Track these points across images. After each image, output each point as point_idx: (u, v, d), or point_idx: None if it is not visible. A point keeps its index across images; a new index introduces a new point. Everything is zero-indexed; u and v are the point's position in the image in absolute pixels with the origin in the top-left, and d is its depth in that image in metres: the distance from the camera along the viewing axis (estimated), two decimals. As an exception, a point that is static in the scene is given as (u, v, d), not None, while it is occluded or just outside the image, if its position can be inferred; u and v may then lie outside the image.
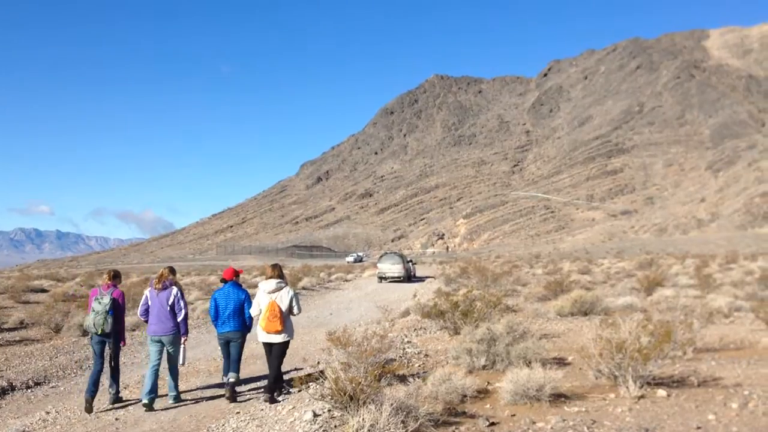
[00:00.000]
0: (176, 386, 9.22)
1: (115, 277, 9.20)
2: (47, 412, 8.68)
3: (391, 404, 6.06)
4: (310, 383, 6.81)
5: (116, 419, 8.37)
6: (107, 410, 8.83)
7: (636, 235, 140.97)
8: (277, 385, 8.82)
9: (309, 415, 6.90)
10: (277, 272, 9.17)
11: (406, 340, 13.34)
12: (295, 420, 7.25)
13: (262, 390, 9.15)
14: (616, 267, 48.79)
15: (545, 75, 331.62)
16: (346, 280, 43.23)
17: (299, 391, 8.83)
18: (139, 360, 13.00)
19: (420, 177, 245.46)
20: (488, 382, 8.66)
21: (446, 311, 13.06)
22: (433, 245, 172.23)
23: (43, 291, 30.06)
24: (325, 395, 6.57)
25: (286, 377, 9.82)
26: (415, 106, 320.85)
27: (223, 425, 7.63)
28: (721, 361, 10.05)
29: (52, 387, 10.37)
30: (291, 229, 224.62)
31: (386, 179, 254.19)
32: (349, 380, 6.37)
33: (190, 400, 9.27)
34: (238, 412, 8.13)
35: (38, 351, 13.30)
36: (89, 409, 8.59)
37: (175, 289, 9.06)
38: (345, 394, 6.36)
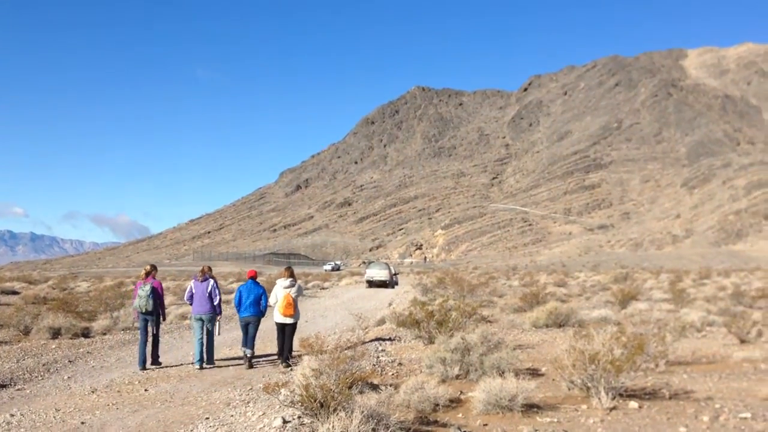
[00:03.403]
0: (212, 353, 12.28)
1: (153, 269, 12.51)
2: (12, 415, 8.48)
3: (362, 412, 5.99)
4: (281, 389, 6.69)
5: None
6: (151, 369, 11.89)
7: (612, 250, 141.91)
8: (290, 356, 12.05)
9: (278, 422, 6.78)
10: (290, 273, 12.62)
11: (380, 348, 13.27)
12: (264, 426, 7.13)
13: (275, 360, 12.48)
14: (591, 280, 49.02)
15: (525, 89, 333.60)
16: (323, 288, 43.04)
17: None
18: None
19: (399, 187, 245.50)
20: (461, 392, 8.62)
21: (421, 320, 13.02)
22: (411, 255, 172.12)
23: (14, 293, 29.62)
24: (296, 402, 6.48)
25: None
26: (395, 117, 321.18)
27: (192, 431, 7.51)
28: (693, 374, 10.10)
29: (18, 390, 10.14)
30: (269, 237, 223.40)
31: (365, 189, 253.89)
32: (319, 387, 6.29)
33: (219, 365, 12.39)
34: (207, 418, 8.00)
35: (5, 353, 13.02)
36: (143, 368, 11.70)
37: (212, 281, 12.29)
38: (315, 401, 6.27)
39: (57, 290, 31.89)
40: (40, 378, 11.04)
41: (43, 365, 11.95)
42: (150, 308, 11.74)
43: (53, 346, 14.15)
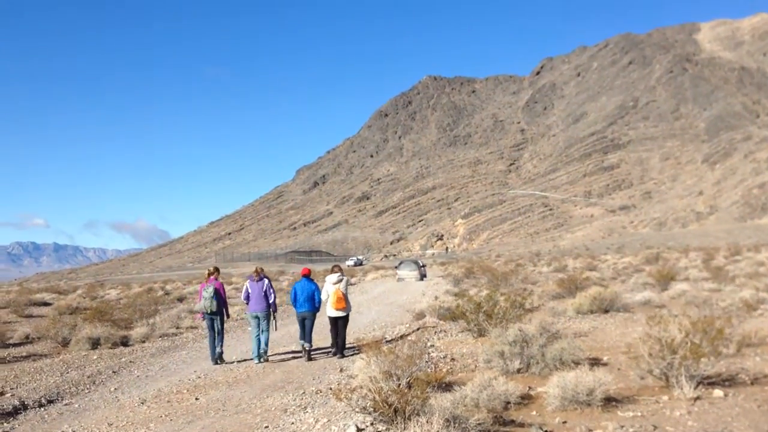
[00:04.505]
0: (266, 348, 12.86)
1: (216, 271, 13.37)
2: (64, 432, 8.23)
3: (442, 416, 5.62)
4: (349, 394, 6.33)
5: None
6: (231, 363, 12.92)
7: (635, 230, 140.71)
8: (344, 347, 13.08)
9: (352, 430, 6.41)
10: (338, 269, 13.40)
11: (429, 343, 12.89)
12: (333, 434, 6.80)
13: (330, 353, 13.21)
14: (622, 262, 48.34)
15: (538, 73, 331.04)
16: (351, 284, 42.78)
17: (358, 353, 12.06)
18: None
19: (416, 178, 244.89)
20: (529, 387, 8.23)
21: (469, 312, 12.63)
22: (432, 246, 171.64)
23: (46, 304, 29.57)
24: (368, 407, 6.12)
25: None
26: (409, 108, 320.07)
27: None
28: (765, 356, 9.64)
29: (66, 404, 9.90)
30: (289, 235, 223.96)
31: (383, 182, 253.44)
32: (393, 391, 5.93)
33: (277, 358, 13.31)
34: (266, 427, 7.69)
35: (48, 367, 12.82)
36: (216, 363, 12.72)
37: (266, 281, 13.02)
38: (390, 407, 5.91)
39: (88, 299, 31.85)
40: (86, 391, 10.80)
41: (88, 377, 11.71)
42: (214, 308, 12.62)
43: (95, 357, 13.94)
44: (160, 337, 17.32)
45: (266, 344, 12.83)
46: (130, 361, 13.41)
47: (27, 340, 17.15)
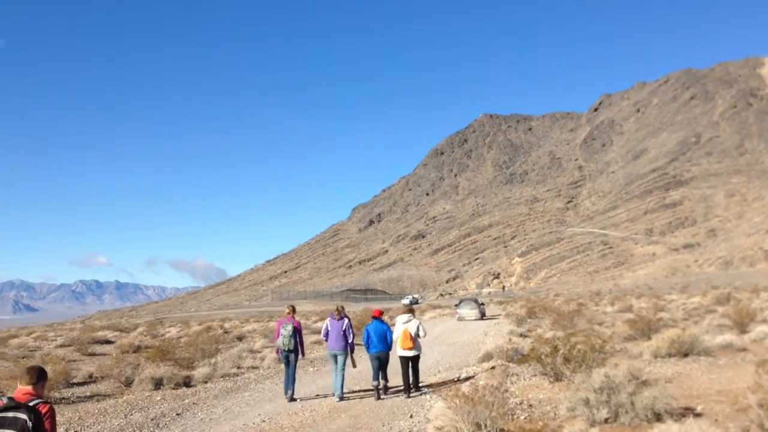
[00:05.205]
0: (342, 385, 13.00)
1: (293, 310, 13.67)
2: (128, 480, 7.91)
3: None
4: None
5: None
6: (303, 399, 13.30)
7: (700, 269, 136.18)
8: (418, 385, 13.52)
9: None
10: (409, 309, 14.03)
11: (502, 389, 12.25)
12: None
13: (401, 392, 13.28)
14: (691, 303, 46.42)
15: (596, 109, 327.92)
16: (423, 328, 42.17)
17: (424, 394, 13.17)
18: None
19: (472, 216, 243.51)
20: (624, 440, 7.57)
21: (545, 355, 11.97)
22: (489, 285, 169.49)
23: (108, 342, 29.83)
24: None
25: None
26: (465, 146, 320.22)
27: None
28: None
29: (130, 448, 9.62)
30: (345, 273, 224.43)
31: (438, 220, 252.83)
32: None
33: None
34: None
35: (111, 408, 12.63)
36: (292, 399, 13.02)
37: (346, 320, 13.22)
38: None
39: (149, 337, 32.01)
40: (150, 434, 10.52)
41: (152, 420, 11.44)
42: (292, 347, 13.07)
43: (158, 398, 13.72)
44: (222, 377, 17.06)
45: (342, 383, 13.05)
46: (194, 403, 13.13)
47: (90, 379, 17.09)
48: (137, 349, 24.38)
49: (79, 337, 28.71)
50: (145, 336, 33.02)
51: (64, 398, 14.04)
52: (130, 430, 10.67)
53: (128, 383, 15.76)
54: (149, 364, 17.34)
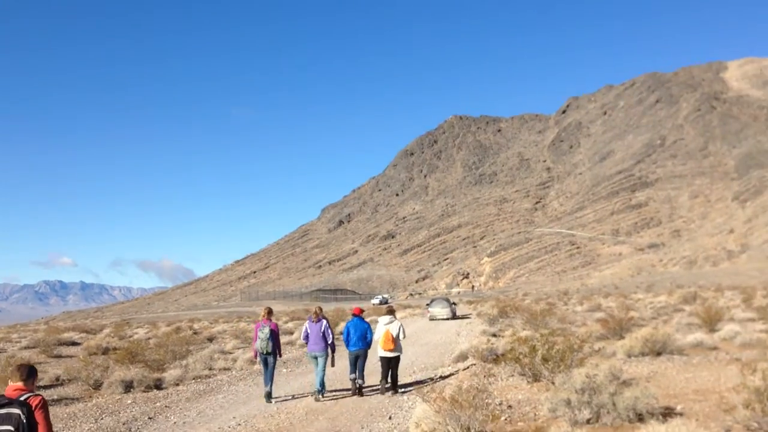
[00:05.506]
0: (323, 384, 13.16)
1: (270, 313, 13.68)
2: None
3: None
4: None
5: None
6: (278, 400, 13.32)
7: (665, 269, 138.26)
8: (396, 385, 13.41)
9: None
10: (390, 311, 14.08)
11: (479, 389, 12.16)
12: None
13: (379, 390, 13.39)
14: (659, 301, 47.01)
15: (564, 112, 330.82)
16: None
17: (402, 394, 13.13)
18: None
19: (442, 217, 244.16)
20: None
21: (523, 356, 11.91)
22: (458, 285, 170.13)
23: (74, 344, 29.20)
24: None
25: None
26: (434, 147, 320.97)
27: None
28: None
29: (101, 454, 9.33)
30: (314, 273, 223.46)
31: (408, 220, 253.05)
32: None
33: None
34: None
35: (81, 412, 12.29)
36: (269, 400, 12.99)
37: (325, 322, 13.32)
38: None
39: (116, 338, 31.41)
40: (122, 439, 10.24)
41: (123, 424, 11.15)
42: (270, 349, 13.09)
43: (129, 401, 13.39)
44: (194, 379, 16.76)
45: (322, 383, 13.23)
46: (166, 406, 12.84)
47: (58, 382, 16.68)
48: (105, 351, 23.88)
49: (44, 338, 28.03)
50: (113, 337, 32.38)
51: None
52: (102, 434, 10.37)
53: (97, 386, 15.38)
54: (118, 366, 17.00)
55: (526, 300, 69.27)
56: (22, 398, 5.14)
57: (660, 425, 6.59)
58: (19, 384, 5.30)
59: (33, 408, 5.11)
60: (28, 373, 5.41)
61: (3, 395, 5.16)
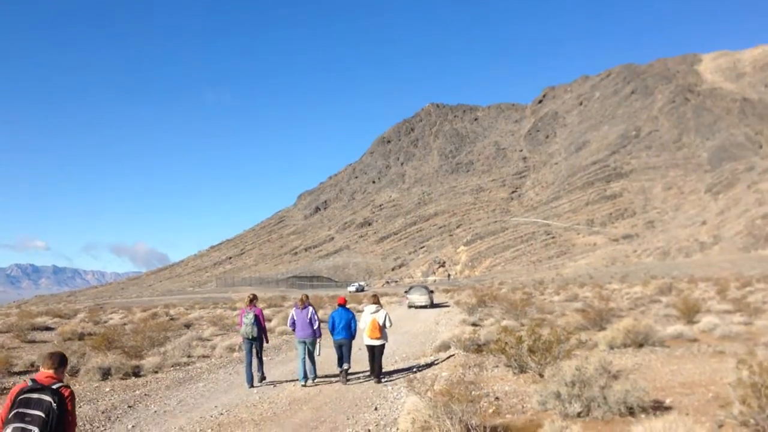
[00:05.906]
0: (315, 371, 13.52)
1: (254, 299, 13.79)
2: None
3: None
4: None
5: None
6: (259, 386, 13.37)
7: (639, 259, 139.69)
8: (381, 373, 13.57)
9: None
10: (376, 300, 14.00)
11: (465, 380, 12.06)
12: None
13: (368, 377, 13.73)
14: (634, 292, 47.38)
15: (540, 101, 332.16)
16: (359, 311, 41.87)
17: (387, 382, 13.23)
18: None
19: (418, 205, 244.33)
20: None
21: (509, 347, 11.82)
22: (434, 273, 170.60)
23: (48, 329, 28.69)
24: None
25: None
26: (411, 135, 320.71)
27: None
28: None
29: (81, 444, 9.09)
30: (290, 260, 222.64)
31: (385, 208, 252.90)
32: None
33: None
34: None
35: (58, 400, 11.98)
36: (251, 386, 13.16)
37: (311, 308, 13.59)
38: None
39: (91, 324, 30.95)
40: (101, 428, 9.99)
41: (102, 413, 10.88)
42: (255, 334, 13.31)
43: (107, 389, 13.11)
44: (173, 366, 16.48)
45: (314, 367, 13.55)
46: (145, 394, 12.57)
47: (32, 368, 16.31)
48: (81, 337, 23.49)
49: (17, 323, 27.54)
50: (87, 323, 31.92)
51: (5, 388, 13.33)
52: (80, 423, 10.09)
53: (74, 373, 15.03)
54: (95, 352, 16.70)
55: (503, 289, 69.60)
56: (54, 386, 5.28)
57: (654, 421, 6.50)
58: (50, 372, 5.44)
59: (65, 398, 5.26)
60: (59, 361, 5.56)
61: (35, 380, 5.32)
